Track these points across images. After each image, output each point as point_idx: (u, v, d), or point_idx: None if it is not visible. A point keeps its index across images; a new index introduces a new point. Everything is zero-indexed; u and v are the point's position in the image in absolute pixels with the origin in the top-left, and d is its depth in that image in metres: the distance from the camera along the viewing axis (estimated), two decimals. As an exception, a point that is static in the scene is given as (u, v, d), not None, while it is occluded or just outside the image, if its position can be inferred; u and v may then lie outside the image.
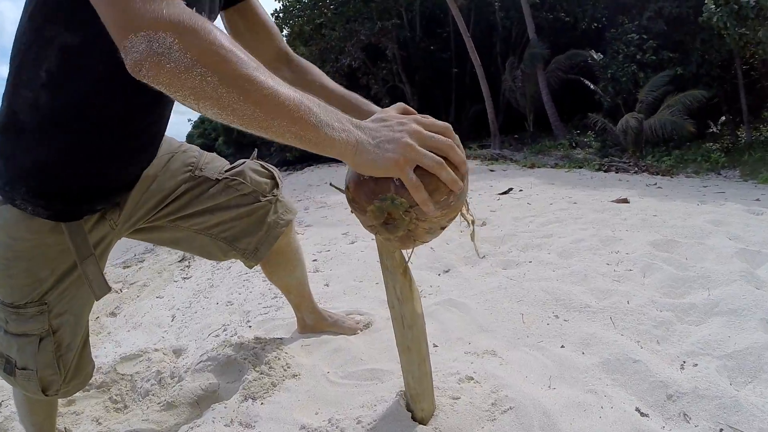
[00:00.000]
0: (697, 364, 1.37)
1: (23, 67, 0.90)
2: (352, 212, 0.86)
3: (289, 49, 1.24)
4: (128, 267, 4.62)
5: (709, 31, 9.85)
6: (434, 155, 0.75)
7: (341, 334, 1.68)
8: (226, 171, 1.36)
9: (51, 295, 1.08)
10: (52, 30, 0.86)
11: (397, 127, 0.76)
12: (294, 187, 9.97)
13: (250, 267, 1.45)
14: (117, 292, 3.52)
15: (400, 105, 0.85)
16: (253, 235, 1.38)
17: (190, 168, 1.32)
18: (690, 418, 1.16)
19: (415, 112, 0.83)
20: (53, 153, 0.96)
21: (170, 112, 1.14)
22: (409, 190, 0.75)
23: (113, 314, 2.87)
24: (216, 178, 1.33)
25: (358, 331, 1.71)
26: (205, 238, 1.35)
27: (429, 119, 0.80)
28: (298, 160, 18.12)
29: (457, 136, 0.81)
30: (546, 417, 1.11)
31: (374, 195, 0.79)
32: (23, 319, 1.08)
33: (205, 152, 1.40)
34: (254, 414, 1.24)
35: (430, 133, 0.77)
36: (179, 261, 4.19)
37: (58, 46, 0.87)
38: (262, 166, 1.44)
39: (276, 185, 1.43)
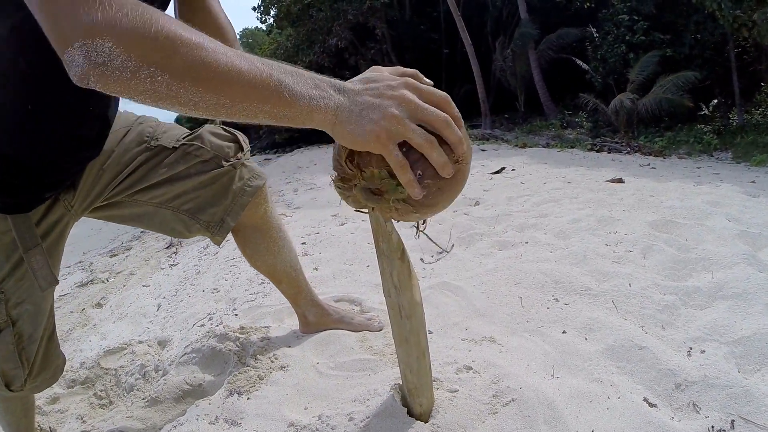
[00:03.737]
0: (704, 351, 1.31)
1: None
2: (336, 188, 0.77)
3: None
4: (115, 255, 4.52)
5: (703, 13, 9.78)
6: (425, 131, 0.65)
7: (351, 332, 1.52)
8: (183, 137, 1.25)
9: (7, 284, 1.01)
10: None
11: (387, 92, 0.66)
12: (283, 169, 9.82)
13: (218, 243, 1.30)
14: (104, 282, 3.45)
15: (398, 68, 0.73)
16: (217, 204, 1.25)
17: (146, 138, 1.21)
18: (700, 409, 1.11)
19: (417, 73, 0.71)
20: None
21: (118, 103, 1.09)
22: (393, 169, 0.66)
23: (99, 305, 2.79)
24: (173, 146, 1.22)
25: (371, 329, 1.53)
26: (167, 211, 1.23)
27: (426, 86, 0.69)
28: (288, 142, 17.92)
29: (457, 110, 0.70)
30: (550, 409, 1.05)
31: (356, 166, 0.70)
32: None
33: (164, 122, 1.29)
34: (240, 410, 1.16)
35: (424, 104, 0.66)
36: (166, 248, 4.09)
37: None
38: (224, 129, 1.31)
39: (240, 148, 1.29)
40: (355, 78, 0.71)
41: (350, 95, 0.66)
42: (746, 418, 1.06)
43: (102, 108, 1.03)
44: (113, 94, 0.57)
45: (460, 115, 0.70)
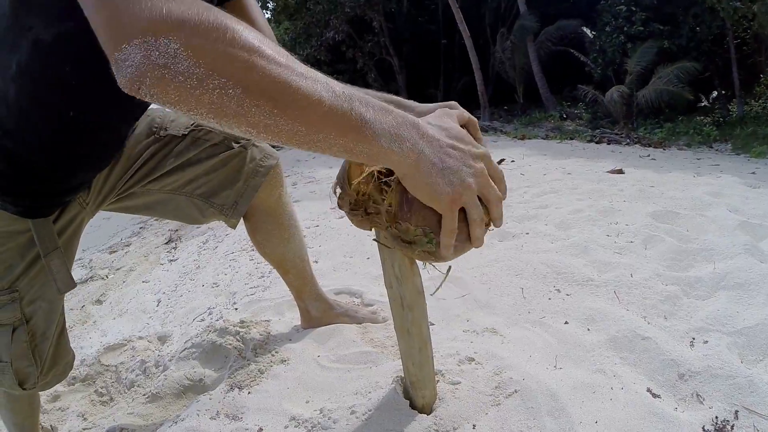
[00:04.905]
0: (707, 341, 1.30)
1: None
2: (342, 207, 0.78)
3: None
4: (114, 252, 4.50)
5: (702, 5, 9.72)
6: (481, 209, 0.68)
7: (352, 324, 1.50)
8: (192, 124, 1.25)
9: (22, 282, 1.00)
10: (29, 19, 0.77)
11: (469, 160, 0.66)
12: (282, 162, 9.77)
13: (233, 226, 1.30)
14: (103, 278, 3.44)
15: (460, 113, 0.75)
16: (230, 187, 1.24)
17: (155, 129, 1.21)
18: (704, 399, 1.10)
19: (475, 123, 0.76)
20: (21, 150, 0.88)
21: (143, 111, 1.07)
22: (441, 229, 0.68)
23: (99, 302, 2.79)
24: (182, 134, 1.22)
25: (375, 322, 1.52)
26: (180, 197, 1.23)
27: (494, 163, 0.71)
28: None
29: (505, 186, 0.74)
30: (554, 400, 1.04)
31: (416, 221, 0.70)
32: None
33: (170, 112, 1.27)
34: (241, 405, 1.15)
35: (490, 181, 0.69)
36: (166, 243, 4.07)
37: (32, 38, 0.77)
38: None
39: None
40: (431, 120, 0.69)
41: (433, 146, 0.64)
42: (750, 408, 1.05)
43: (138, 116, 1.04)
44: (166, 106, 0.49)
45: (505, 187, 0.73)
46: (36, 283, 1.02)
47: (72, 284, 1.06)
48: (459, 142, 0.67)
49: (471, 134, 0.74)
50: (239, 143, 1.25)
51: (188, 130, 1.23)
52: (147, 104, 1.03)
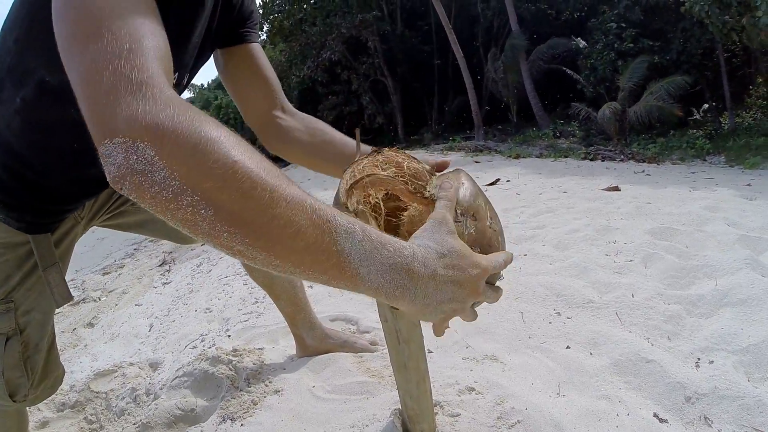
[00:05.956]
0: (713, 361, 1.27)
1: (4, 85, 0.85)
2: None
3: (287, 103, 1.11)
4: (108, 273, 4.45)
5: (690, 20, 9.87)
6: (473, 316, 0.65)
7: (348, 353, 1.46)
8: None
9: (17, 292, 1.01)
10: (34, 61, 0.80)
11: (468, 285, 0.59)
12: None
13: None
14: (96, 300, 3.39)
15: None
16: None
17: None
18: (712, 422, 1.07)
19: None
20: (28, 172, 0.92)
21: None
22: (433, 327, 0.68)
23: (91, 325, 2.74)
24: None
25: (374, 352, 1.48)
26: None
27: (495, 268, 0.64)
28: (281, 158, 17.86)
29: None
30: (558, 430, 1.00)
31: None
32: None
33: None
34: (233, 438, 1.11)
35: (488, 293, 0.64)
36: (159, 265, 4.03)
37: (37, 79, 0.81)
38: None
39: None
40: (426, 239, 0.59)
41: (427, 288, 0.55)
42: (760, 429, 1.02)
43: None
44: (147, 208, 0.47)
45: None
46: (31, 294, 1.03)
47: (69, 297, 1.07)
48: (457, 270, 0.58)
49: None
50: None
51: None
52: None
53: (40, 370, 1.11)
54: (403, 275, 0.53)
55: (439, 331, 0.67)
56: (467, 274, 0.58)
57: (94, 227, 1.25)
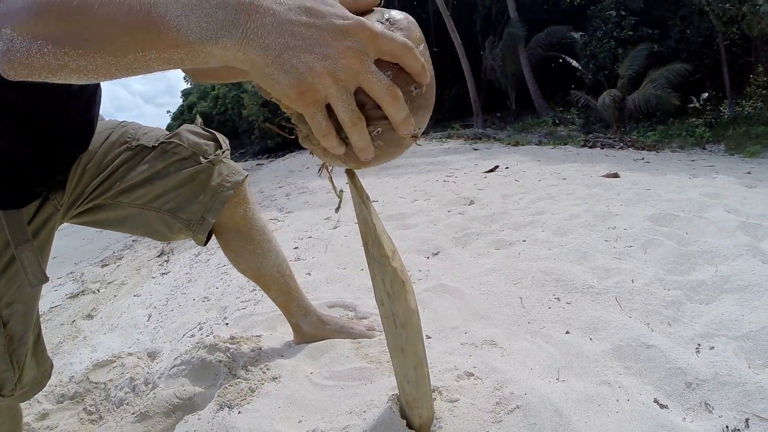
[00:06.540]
0: (713, 347, 1.26)
1: None
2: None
3: None
4: (106, 265, 4.45)
5: (689, 8, 9.80)
6: (348, 102, 0.50)
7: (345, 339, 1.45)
8: (163, 137, 1.27)
9: None
10: None
11: (325, 38, 0.48)
12: (275, 173, 9.76)
13: (200, 243, 1.29)
14: (95, 292, 3.39)
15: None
16: (196, 202, 1.24)
17: (128, 139, 1.24)
18: (713, 408, 1.06)
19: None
20: None
21: (93, 101, 1.07)
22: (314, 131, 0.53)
23: (90, 316, 2.75)
24: (152, 145, 1.24)
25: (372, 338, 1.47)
26: (150, 212, 1.23)
27: (383, 36, 0.51)
28: (279, 146, 17.85)
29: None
30: (557, 415, 0.99)
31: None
32: None
33: (146, 126, 1.31)
34: (231, 425, 1.10)
35: (365, 64, 0.50)
36: (158, 256, 4.02)
37: None
38: (204, 129, 1.33)
39: (219, 146, 1.30)
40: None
41: (266, 28, 0.47)
42: (761, 415, 1.01)
43: (82, 115, 1.04)
44: (29, 79, 0.54)
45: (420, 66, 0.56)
46: (13, 285, 1.01)
47: (44, 278, 1.04)
48: (313, 17, 0.48)
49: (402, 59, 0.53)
50: (207, 159, 1.26)
51: (158, 142, 1.25)
52: (86, 97, 1.03)
53: (27, 364, 1.09)
54: (231, 11, 0.47)
55: (313, 123, 0.52)
56: (329, 20, 0.49)
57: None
